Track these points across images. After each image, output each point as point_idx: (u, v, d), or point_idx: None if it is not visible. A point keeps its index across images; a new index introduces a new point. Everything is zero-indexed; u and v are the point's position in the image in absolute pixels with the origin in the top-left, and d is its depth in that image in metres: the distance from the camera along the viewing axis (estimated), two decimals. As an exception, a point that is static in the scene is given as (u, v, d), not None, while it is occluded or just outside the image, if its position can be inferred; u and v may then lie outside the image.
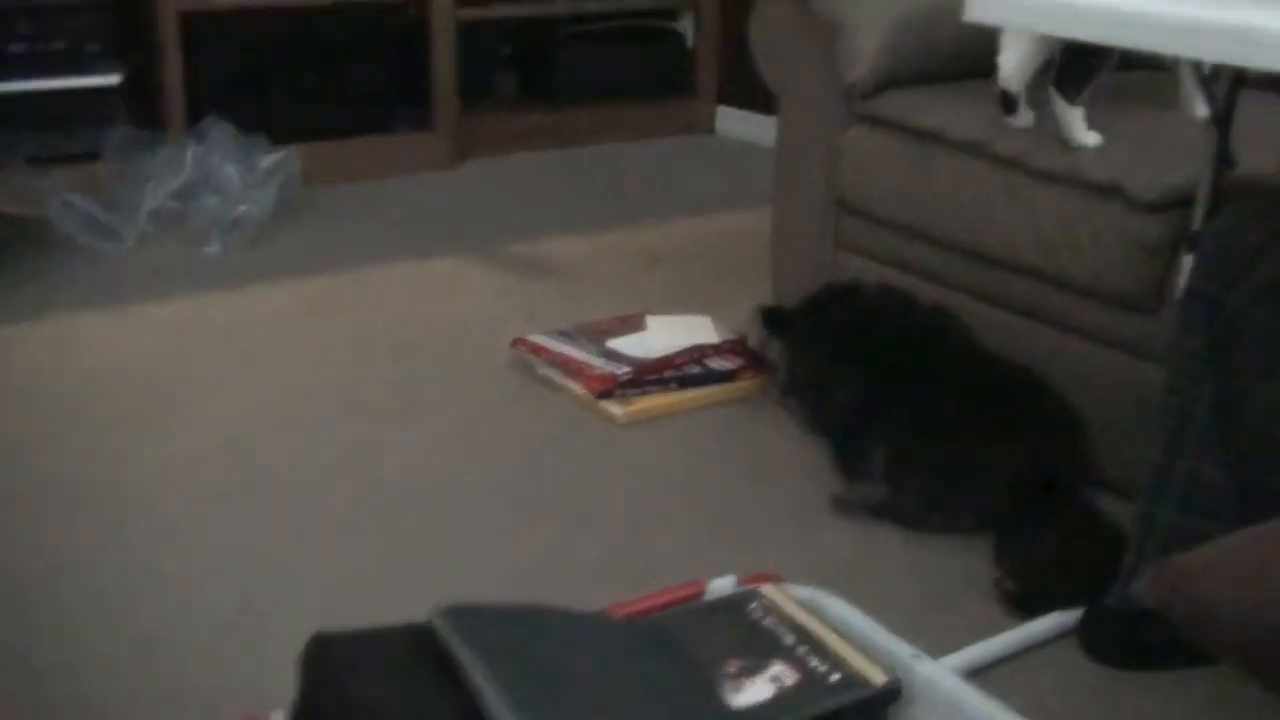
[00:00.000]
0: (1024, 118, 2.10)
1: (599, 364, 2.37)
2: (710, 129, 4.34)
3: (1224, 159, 1.55)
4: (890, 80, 2.32)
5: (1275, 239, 1.44)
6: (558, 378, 2.39)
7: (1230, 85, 1.53)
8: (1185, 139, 1.90)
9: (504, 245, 3.17)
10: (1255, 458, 1.46)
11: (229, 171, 3.14)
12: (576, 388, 2.34)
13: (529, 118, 4.08)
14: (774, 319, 2.30)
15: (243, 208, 3.09)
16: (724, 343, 2.45)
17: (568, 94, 4.14)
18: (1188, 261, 1.61)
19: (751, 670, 1.11)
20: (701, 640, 1.15)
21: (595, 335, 2.47)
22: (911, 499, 1.92)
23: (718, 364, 2.41)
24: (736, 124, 4.22)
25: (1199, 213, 1.60)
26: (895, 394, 2.00)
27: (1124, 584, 1.54)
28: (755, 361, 2.38)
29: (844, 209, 2.40)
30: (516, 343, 2.47)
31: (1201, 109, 1.95)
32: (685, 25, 4.34)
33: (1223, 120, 1.51)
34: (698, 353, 2.41)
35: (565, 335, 2.48)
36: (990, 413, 1.93)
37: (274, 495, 2.01)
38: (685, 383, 2.36)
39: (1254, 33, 1.14)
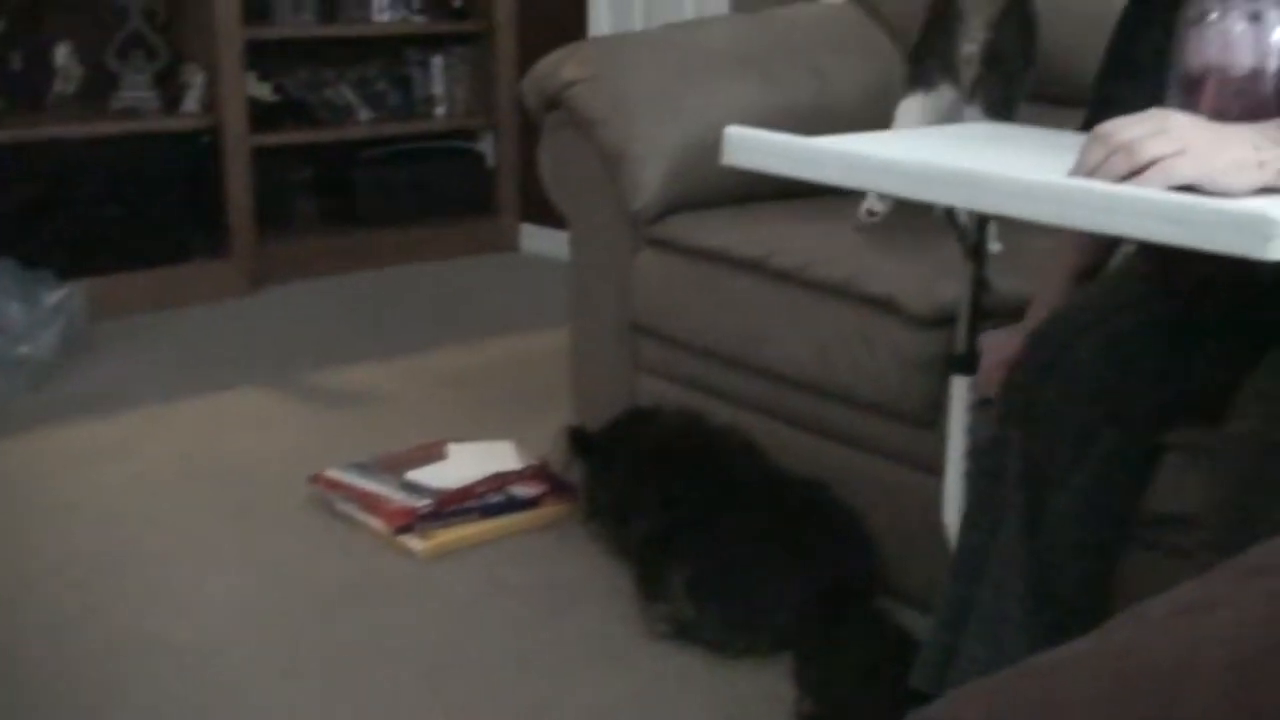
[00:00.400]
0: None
1: (398, 497, 2.33)
2: (514, 247, 4.36)
3: (980, 285, 1.62)
4: (675, 205, 2.37)
5: (1065, 350, 1.49)
6: (356, 513, 2.34)
7: (979, 219, 1.60)
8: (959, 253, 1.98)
9: (304, 374, 3.11)
10: (1051, 572, 1.49)
11: (12, 309, 3.03)
12: (375, 523, 2.30)
13: (330, 241, 4.05)
14: (579, 441, 2.31)
15: (24, 348, 2.97)
16: (527, 469, 2.44)
17: (369, 216, 4.12)
18: (957, 382, 1.67)
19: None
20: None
21: (394, 467, 2.43)
22: (712, 622, 1.93)
23: (521, 491, 2.39)
24: (540, 241, 4.25)
25: (960, 335, 1.67)
26: (692, 517, 2.02)
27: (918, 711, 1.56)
28: (559, 486, 2.38)
29: (639, 331, 2.43)
30: (315, 479, 2.42)
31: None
32: (486, 145, 4.38)
33: (974, 252, 1.58)
34: (500, 480, 2.39)
35: (364, 468, 2.44)
36: (784, 532, 1.96)
37: (55, 655, 1.91)
38: (488, 512, 2.34)
39: (981, 178, 1.20)
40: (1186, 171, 1.15)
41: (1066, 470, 1.47)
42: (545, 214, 4.20)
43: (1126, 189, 1.11)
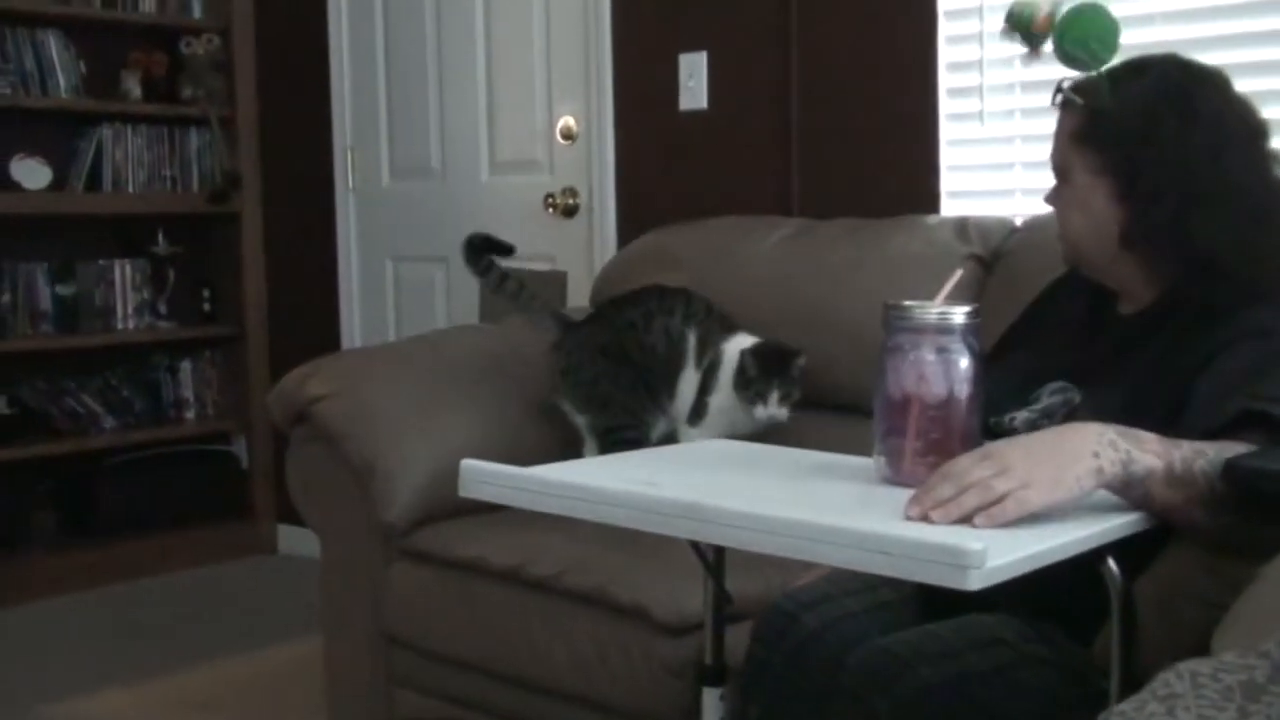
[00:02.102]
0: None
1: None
2: (272, 549, 4.26)
3: (722, 600, 1.67)
4: (427, 516, 2.38)
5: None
6: None
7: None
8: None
9: (36, 708, 2.91)
10: None
11: None
12: None
13: (70, 556, 3.86)
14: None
15: None
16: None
17: (114, 527, 3.97)
18: (708, 694, 1.69)
19: None
20: None
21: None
22: None
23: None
24: (298, 542, 4.15)
25: (707, 648, 1.70)
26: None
27: None
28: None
29: (395, 644, 2.39)
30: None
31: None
32: (239, 447, 4.31)
33: (715, 570, 1.63)
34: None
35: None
36: None
37: None
38: None
39: (705, 511, 1.26)
40: (1036, 502, 1.24)
41: None
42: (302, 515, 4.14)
43: (846, 524, 1.18)
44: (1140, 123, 1.56)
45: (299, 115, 4.09)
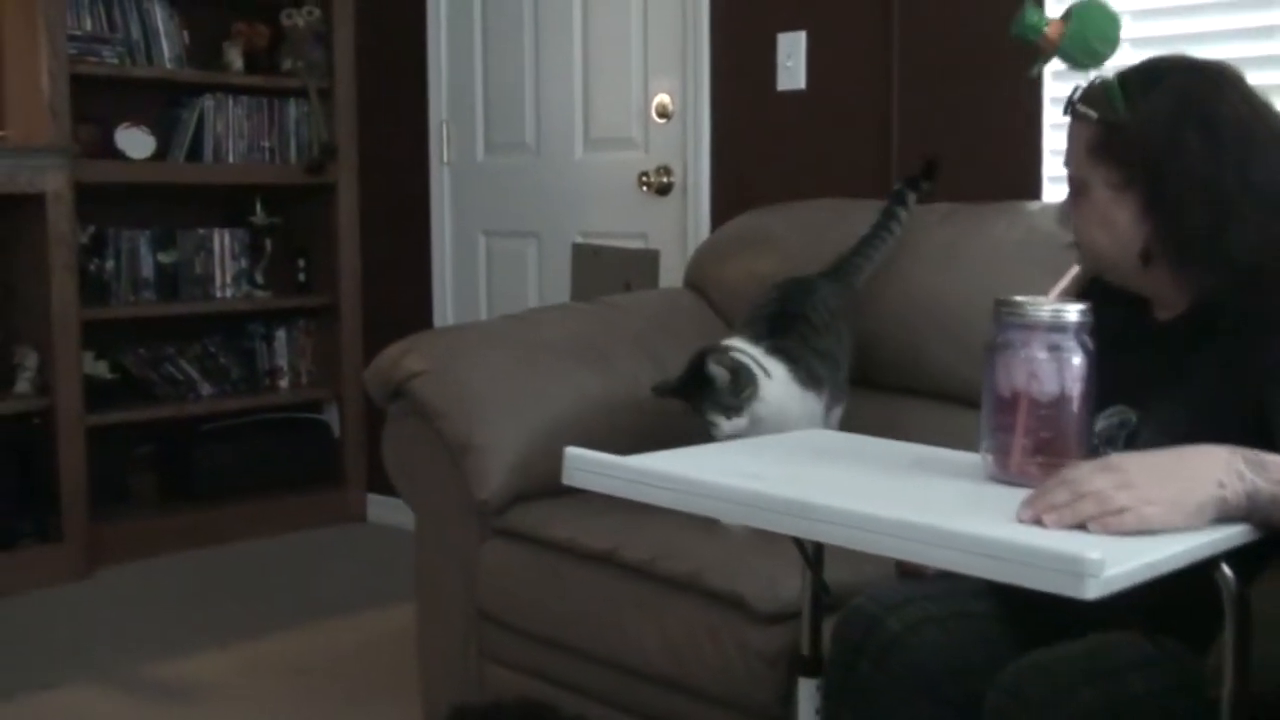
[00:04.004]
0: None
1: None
2: (361, 517, 4.32)
3: (820, 591, 1.66)
4: (521, 495, 2.39)
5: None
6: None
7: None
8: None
9: (138, 667, 2.99)
10: None
11: None
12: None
13: (168, 520, 3.95)
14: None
15: None
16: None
17: (209, 491, 4.05)
18: (804, 684, 1.69)
19: None
20: None
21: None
22: None
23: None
24: (387, 511, 4.21)
25: (804, 638, 1.70)
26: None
27: None
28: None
29: (486, 621, 2.41)
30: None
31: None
32: (331, 415, 4.37)
33: (814, 562, 1.63)
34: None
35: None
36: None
37: None
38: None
39: (816, 510, 1.25)
40: (1156, 520, 1.22)
41: None
42: (392, 484, 4.19)
43: (956, 527, 1.17)
44: (1161, 137, 1.51)
45: (396, 88, 4.12)
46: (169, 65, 3.95)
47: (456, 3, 3.92)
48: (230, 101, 4.09)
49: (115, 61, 3.83)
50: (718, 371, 2.14)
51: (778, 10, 3.18)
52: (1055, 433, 1.41)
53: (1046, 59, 1.69)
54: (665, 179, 3.43)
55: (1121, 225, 1.56)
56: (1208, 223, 1.50)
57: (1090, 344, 1.42)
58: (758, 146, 3.26)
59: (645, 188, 3.45)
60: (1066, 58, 1.66)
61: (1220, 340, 1.51)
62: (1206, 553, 1.23)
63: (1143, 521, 1.22)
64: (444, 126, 3.98)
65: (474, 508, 2.40)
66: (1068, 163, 1.62)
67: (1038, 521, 1.23)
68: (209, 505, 4.02)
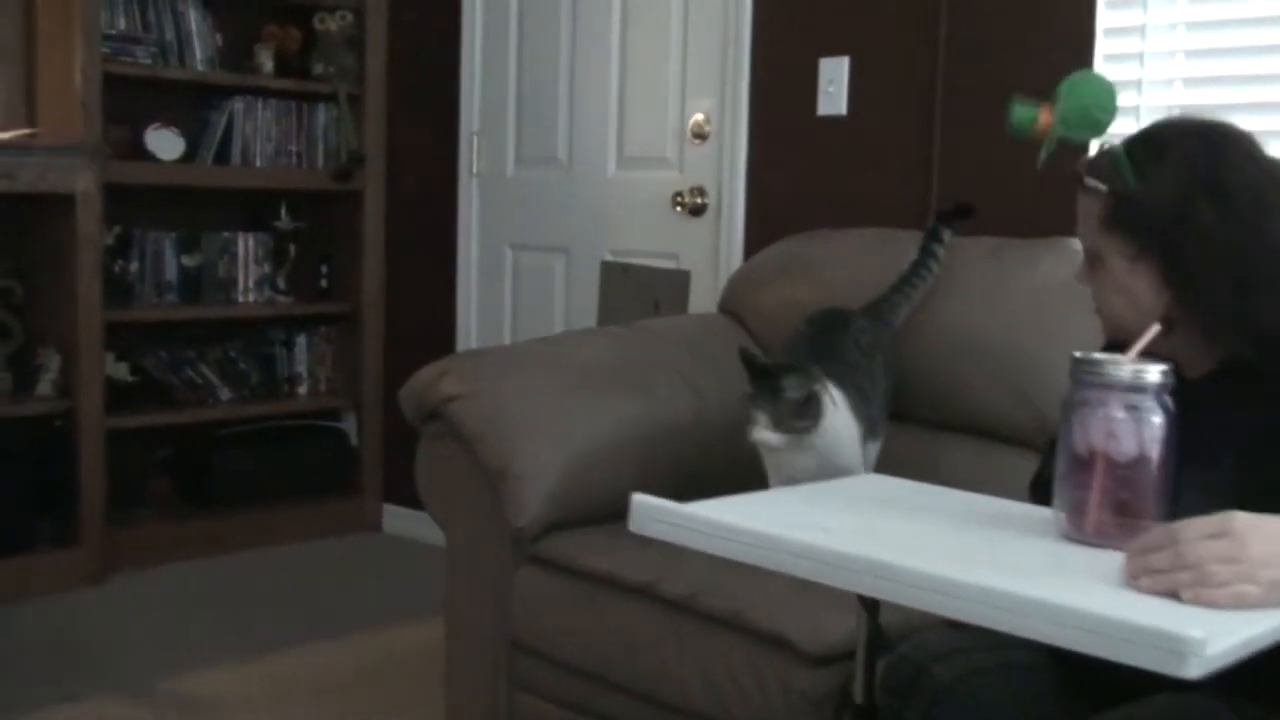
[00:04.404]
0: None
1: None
2: (378, 527, 4.29)
3: (876, 636, 1.64)
4: (558, 522, 2.36)
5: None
6: None
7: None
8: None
9: (160, 680, 2.96)
10: None
11: None
12: None
13: (185, 525, 3.92)
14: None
15: None
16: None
17: (227, 498, 4.02)
18: (853, 731, 1.66)
19: None
20: None
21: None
22: None
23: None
24: (404, 522, 4.19)
25: (858, 686, 1.67)
26: None
27: None
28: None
29: (519, 649, 2.38)
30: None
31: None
32: (349, 423, 4.34)
33: (871, 607, 1.60)
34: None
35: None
36: None
37: None
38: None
39: (893, 570, 1.23)
40: (1253, 601, 1.19)
41: None
42: (409, 495, 4.15)
43: (1047, 597, 1.14)
44: (1172, 206, 1.49)
45: (427, 97, 4.09)
46: (201, 67, 3.93)
47: (492, 13, 3.90)
48: (260, 104, 4.06)
49: (148, 62, 3.80)
50: (792, 395, 2.09)
51: (821, 35, 3.16)
52: (1133, 494, 1.38)
53: (1051, 145, 1.67)
54: (699, 200, 3.41)
55: (1140, 294, 1.55)
56: (1229, 290, 1.48)
57: (1171, 404, 1.39)
58: (795, 171, 3.23)
59: (679, 208, 3.43)
60: (1070, 132, 1.65)
61: (1258, 401, 1.49)
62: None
63: (1238, 600, 1.19)
64: (474, 138, 3.96)
65: (509, 534, 2.37)
66: (1080, 235, 1.62)
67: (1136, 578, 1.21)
68: (225, 511, 3.99)
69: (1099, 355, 1.43)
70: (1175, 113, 2.12)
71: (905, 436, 2.44)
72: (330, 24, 4.12)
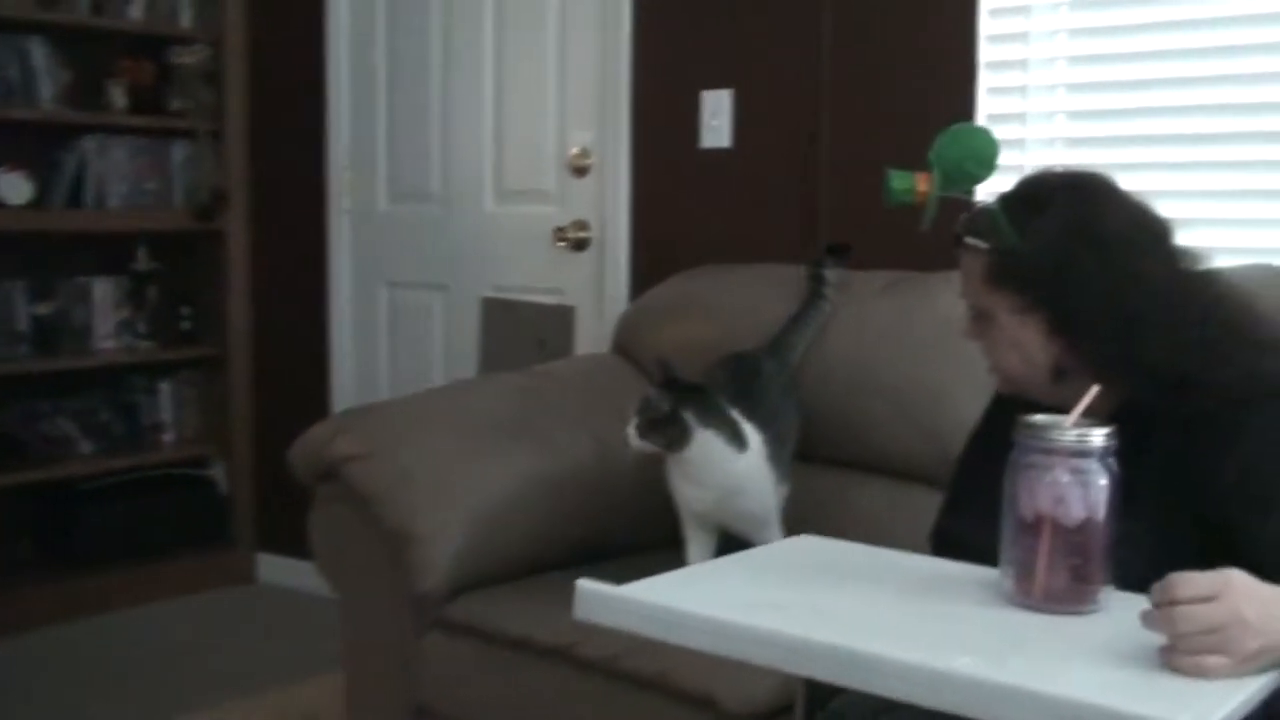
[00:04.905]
0: None
1: None
2: (251, 579, 4.13)
3: (815, 703, 1.60)
4: (466, 584, 2.28)
5: None
6: None
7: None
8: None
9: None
10: None
11: None
12: None
13: (51, 587, 3.71)
14: None
15: None
16: None
17: (94, 555, 3.82)
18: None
19: None
20: None
21: None
22: None
23: None
24: (280, 572, 4.04)
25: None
26: None
27: None
28: None
29: (427, 718, 2.29)
30: None
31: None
32: (218, 472, 4.18)
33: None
34: None
35: None
36: None
37: None
38: None
39: (861, 657, 1.19)
40: (1219, 674, 1.17)
41: None
42: (284, 543, 4.03)
43: (1028, 685, 1.12)
44: (1055, 260, 1.52)
45: (292, 132, 3.96)
46: (48, 105, 3.73)
47: (357, 43, 3.79)
48: (113, 143, 3.87)
49: (-9, 102, 3.60)
50: (657, 405, 2.09)
51: (703, 67, 3.13)
52: (1083, 558, 1.37)
53: (933, 208, 1.67)
54: (581, 234, 3.35)
55: (1031, 347, 1.57)
56: (1117, 334, 1.51)
57: (1115, 466, 1.39)
58: (680, 205, 3.20)
59: (561, 243, 3.37)
60: (949, 189, 1.66)
61: (1156, 446, 1.50)
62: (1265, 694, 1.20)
63: (1199, 672, 1.18)
64: (344, 173, 3.84)
65: (413, 598, 2.29)
66: (966, 294, 1.63)
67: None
68: (91, 571, 3.79)
69: (1042, 418, 1.41)
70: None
71: (812, 477, 2.42)
72: (186, 58, 3.96)
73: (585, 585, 1.40)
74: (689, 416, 2.09)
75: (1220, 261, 2.00)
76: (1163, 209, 1.60)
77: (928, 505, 1.83)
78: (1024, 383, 1.61)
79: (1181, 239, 1.58)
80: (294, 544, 3.98)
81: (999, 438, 1.74)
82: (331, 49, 3.82)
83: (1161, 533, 1.46)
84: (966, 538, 1.54)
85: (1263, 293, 1.85)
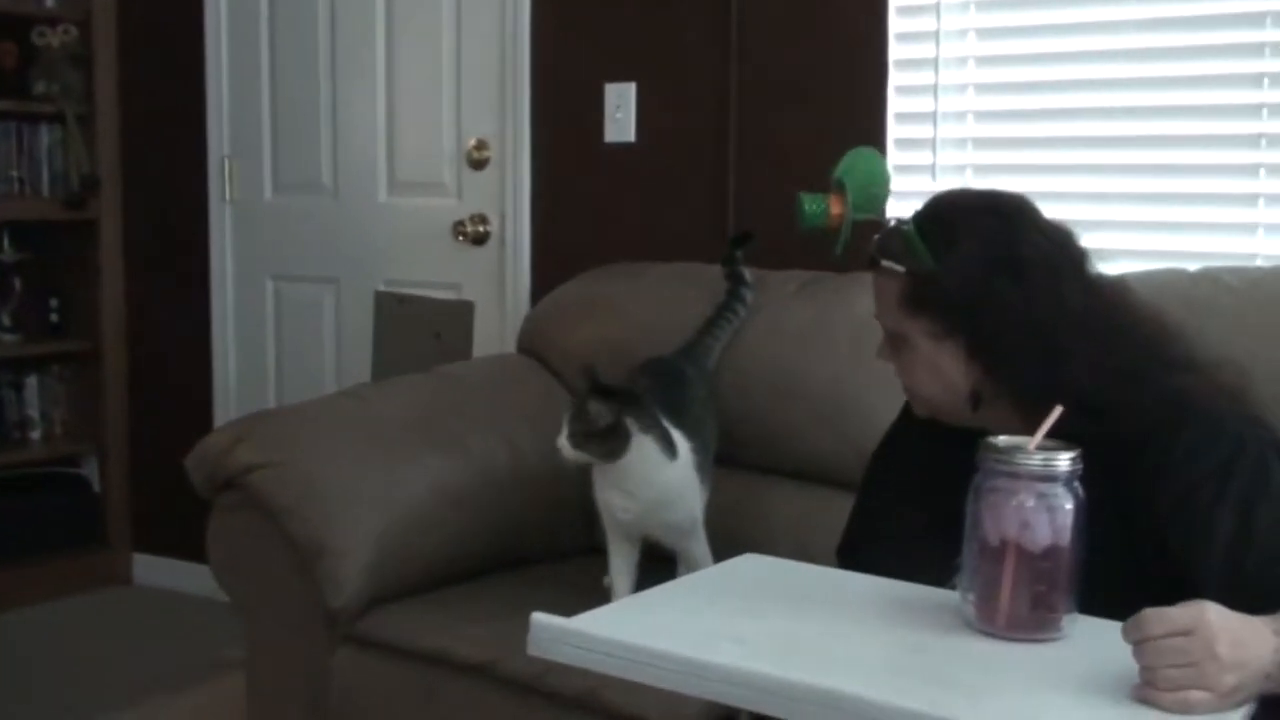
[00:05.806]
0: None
1: None
2: (127, 580, 3.96)
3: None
4: (379, 597, 2.20)
5: None
6: None
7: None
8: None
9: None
10: None
11: None
12: None
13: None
14: None
15: None
16: None
17: (-44, 561, 3.62)
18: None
19: None
20: None
21: None
22: None
23: None
24: (157, 572, 3.89)
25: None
26: None
27: None
28: None
29: (338, 739, 2.21)
30: None
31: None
32: (90, 469, 3.99)
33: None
34: None
35: None
36: None
37: None
38: None
39: (845, 700, 1.15)
40: (1202, 709, 1.16)
41: None
42: (161, 543, 3.88)
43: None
44: (972, 285, 1.50)
45: (168, 118, 3.78)
46: (-97, 86, 3.51)
47: (239, 28, 3.63)
48: (-27, 126, 3.67)
49: None
50: (598, 418, 2.01)
51: (606, 59, 3.06)
52: (1048, 585, 1.35)
53: (846, 231, 1.65)
54: (481, 228, 3.27)
55: (948, 371, 1.54)
56: (1038, 360, 1.49)
57: (1081, 491, 1.37)
58: (583, 199, 3.14)
59: (460, 237, 3.28)
60: (859, 214, 1.64)
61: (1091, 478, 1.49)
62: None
63: (1183, 707, 1.17)
64: (225, 161, 3.68)
65: (323, 613, 2.20)
66: (880, 316, 1.60)
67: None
68: (-44, 575, 3.60)
69: (1006, 441, 1.38)
70: (956, 185, 2.16)
71: (731, 482, 2.38)
72: (51, 39, 3.75)
73: (541, 619, 1.34)
74: (630, 424, 2.02)
75: (1131, 266, 2.03)
76: (1073, 211, 1.58)
77: (845, 511, 1.81)
78: (940, 407, 1.58)
79: (1097, 264, 1.55)
80: (171, 544, 3.85)
81: (905, 454, 1.73)
82: (210, 32, 3.66)
83: (1098, 564, 1.44)
84: (878, 566, 1.51)
85: (1172, 298, 1.88)
